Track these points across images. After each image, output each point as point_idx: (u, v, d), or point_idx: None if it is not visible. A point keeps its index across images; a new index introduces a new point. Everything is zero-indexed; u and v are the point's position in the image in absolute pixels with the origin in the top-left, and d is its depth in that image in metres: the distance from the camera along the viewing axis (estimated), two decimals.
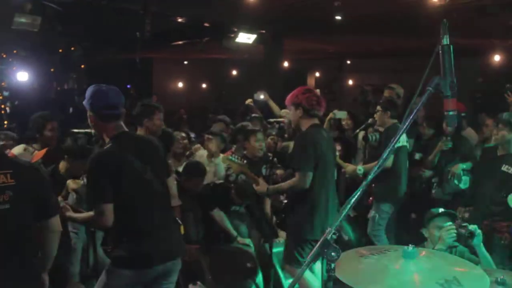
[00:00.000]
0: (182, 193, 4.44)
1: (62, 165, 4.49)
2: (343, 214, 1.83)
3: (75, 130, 4.01)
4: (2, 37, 10.67)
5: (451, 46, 1.98)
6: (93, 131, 4.00)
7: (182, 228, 3.71)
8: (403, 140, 5.29)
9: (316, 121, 4.14)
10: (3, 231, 2.54)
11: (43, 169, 4.13)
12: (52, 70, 13.32)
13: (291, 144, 6.32)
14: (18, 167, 2.68)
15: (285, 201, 4.38)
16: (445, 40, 2.00)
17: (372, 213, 5.44)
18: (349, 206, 1.84)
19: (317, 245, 1.78)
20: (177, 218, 3.55)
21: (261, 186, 4.24)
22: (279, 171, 5.61)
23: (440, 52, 1.98)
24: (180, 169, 5.03)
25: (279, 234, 5.07)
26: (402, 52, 12.95)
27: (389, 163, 5.02)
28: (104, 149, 3.02)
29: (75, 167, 4.32)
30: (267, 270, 4.77)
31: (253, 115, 7.02)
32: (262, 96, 6.98)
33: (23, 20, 6.72)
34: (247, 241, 5.04)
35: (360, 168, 5.29)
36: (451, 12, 6.96)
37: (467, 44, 9.57)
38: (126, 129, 3.11)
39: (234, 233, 5.00)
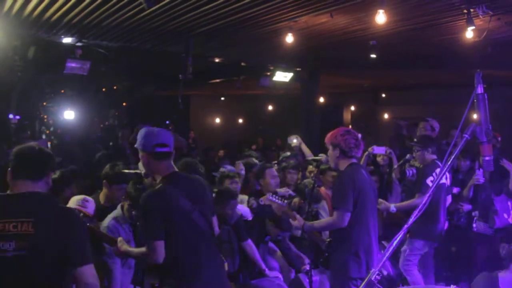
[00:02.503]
0: (217, 224, 4.52)
1: (102, 194, 4.43)
2: (386, 256, 1.93)
3: (126, 171, 4.19)
4: (50, 78, 11.28)
5: (485, 95, 2.09)
6: (143, 171, 4.20)
7: (226, 265, 3.79)
8: (444, 178, 5.29)
9: (354, 160, 4.18)
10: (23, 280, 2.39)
11: None
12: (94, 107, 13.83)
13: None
14: (42, 214, 2.46)
15: (328, 239, 4.42)
16: (479, 89, 2.10)
17: (404, 247, 5.43)
18: (392, 247, 1.95)
19: (361, 285, 1.89)
20: (221, 256, 3.61)
21: (298, 221, 4.26)
22: (296, 199, 5.66)
23: (475, 101, 2.09)
24: None
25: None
26: (436, 85, 12.96)
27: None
28: (155, 189, 3.14)
29: (114, 193, 4.28)
30: None
31: (287, 153, 7.16)
32: (295, 141, 7.10)
33: (74, 65, 7.14)
34: (275, 273, 5.10)
35: (393, 208, 5.31)
36: (486, 46, 7.04)
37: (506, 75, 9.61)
38: (176, 170, 3.24)
39: (263, 265, 5.08)
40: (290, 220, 4.32)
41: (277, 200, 4.43)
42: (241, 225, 4.98)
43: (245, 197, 5.59)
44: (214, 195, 4.97)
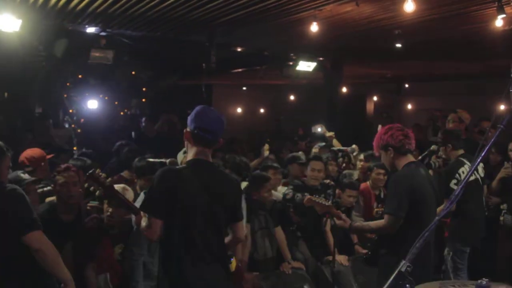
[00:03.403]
0: (254, 210, 4.54)
1: (138, 184, 4.71)
2: (417, 247, 1.90)
3: (151, 160, 4.23)
4: (74, 68, 11.37)
5: None
6: (168, 160, 4.23)
7: (234, 262, 3.61)
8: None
9: (411, 158, 3.79)
10: None
11: None
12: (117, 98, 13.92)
13: (355, 173, 6.39)
14: None
15: (375, 237, 4.23)
16: None
17: (446, 251, 5.29)
18: (422, 239, 1.92)
19: (392, 277, 1.85)
20: (230, 254, 3.46)
21: (344, 222, 3.96)
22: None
23: (511, 90, 2.03)
24: None
25: (337, 257, 5.02)
26: (461, 75, 12.73)
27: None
28: (169, 167, 3.11)
29: (145, 183, 4.48)
30: None
31: (320, 144, 7.05)
32: (319, 129, 7.03)
33: (98, 54, 7.19)
34: (298, 264, 5.10)
35: None
36: None
37: None
38: (208, 159, 3.05)
39: (289, 254, 5.07)
40: (335, 219, 4.02)
41: (320, 201, 4.17)
42: (276, 211, 5.00)
43: (283, 189, 5.60)
44: (248, 183, 5.02)
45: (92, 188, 3.99)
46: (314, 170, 5.51)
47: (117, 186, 3.85)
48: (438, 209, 5.14)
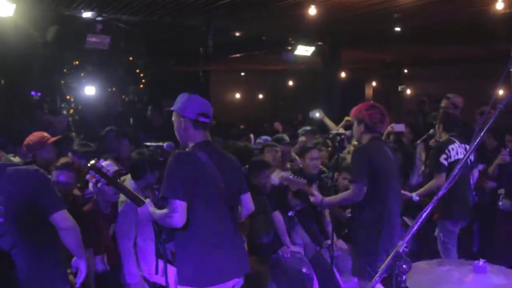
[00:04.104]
0: (252, 195, 4.53)
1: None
2: (415, 228, 1.88)
3: (148, 144, 4.19)
4: (71, 54, 11.31)
5: None
6: (165, 144, 4.18)
7: (246, 245, 3.71)
8: (455, 154, 5.17)
9: (376, 135, 4.14)
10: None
11: None
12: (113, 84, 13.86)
13: (348, 156, 6.37)
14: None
15: (349, 215, 4.37)
16: None
17: (436, 232, 5.34)
18: (420, 220, 1.90)
19: (389, 257, 1.84)
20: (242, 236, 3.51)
21: (316, 197, 4.23)
22: None
23: (511, 70, 2.00)
24: None
25: (337, 242, 5.07)
26: (460, 59, 12.68)
27: (440, 182, 4.97)
28: (183, 150, 3.10)
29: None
30: (323, 276, 4.82)
31: (308, 128, 7.03)
32: (317, 114, 7.01)
33: (94, 39, 7.13)
34: (297, 248, 5.10)
35: (415, 198, 5.21)
36: None
37: None
38: (210, 139, 3.17)
39: (288, 239, 5.07)
40: (309, 197, 4.26)
41: (294, 178, 4.36)
42: (274, 195, 4.99)
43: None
44: (248, 166, 4.99)
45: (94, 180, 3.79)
46: (312, 159, 5.49)
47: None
48: (427, 186, 5.26)
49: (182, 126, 3.11)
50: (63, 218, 3.05)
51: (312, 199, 4.25)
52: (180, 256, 3.07)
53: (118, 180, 3.31)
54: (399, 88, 8.66)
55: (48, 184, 3.13)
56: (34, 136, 4.63)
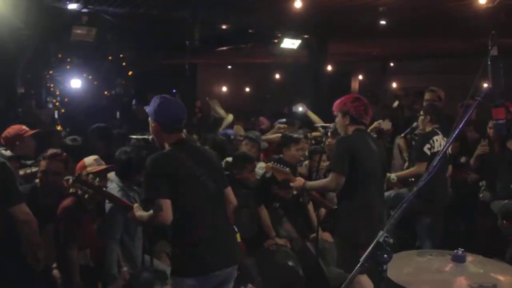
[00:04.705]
0: (236, 189, 4.55)
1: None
2: (395, 218, 1.92)
3: (133, 137, 4.20)
4: (57, 47, 11.21)
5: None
6: (151, 137, 4.18)
7: (238, 236, 3.77)
8: (438, 145, 5.24)
9: (361, 127, 4.19)
10: None
11: None
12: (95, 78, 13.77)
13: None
14: None
15: (335, 207, 4.43)
16: (494, 51, 2.05)
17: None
18: (400, 210, 1.94)
19: (370, 247, 1.88)
20: (234, 226, 3.58)
21: (298, 182, 4.30)
22: None
23: (489, 63, 2.04)
24: None
25: (321, 234, 5.10)
26: (445, 53, 12.77)
27: (421, 170, 5.03)
28: (161, 152, 3.13)
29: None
30: (310, 269, 4.87)
31: (281, 120, 7.03)
32: (301, 108, 7.06)
33: (79, 31, 7.08)
34: (283, 241, 5.14)
35: (393, 178, 5.30)
36: (499, 13, 6.86)
37: None
38: (184, 138, 3.22)
39: (273, 232, 5.11)
40: (291, 183, 4.34)
41: (279, 168, 4.46)
42: (256, 189, 5.02)
43: (262, 164, 5.60)
44: (231, 160, 5.02)
45: (79, 192, 3.69)
46: (299, 150, 5.52)
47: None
48: (407, 171, 5.41)
49: (155, 130, 3.17)
50: (21, 212, 3.23)
51: (293, 184, 4.33)
52: (174, 250, 3.17)
53: (104, 189, 3.38)
54: (394, 104, 8.72)
55: (11, 177, 3.27)
56: (12, 129, 4.62)
